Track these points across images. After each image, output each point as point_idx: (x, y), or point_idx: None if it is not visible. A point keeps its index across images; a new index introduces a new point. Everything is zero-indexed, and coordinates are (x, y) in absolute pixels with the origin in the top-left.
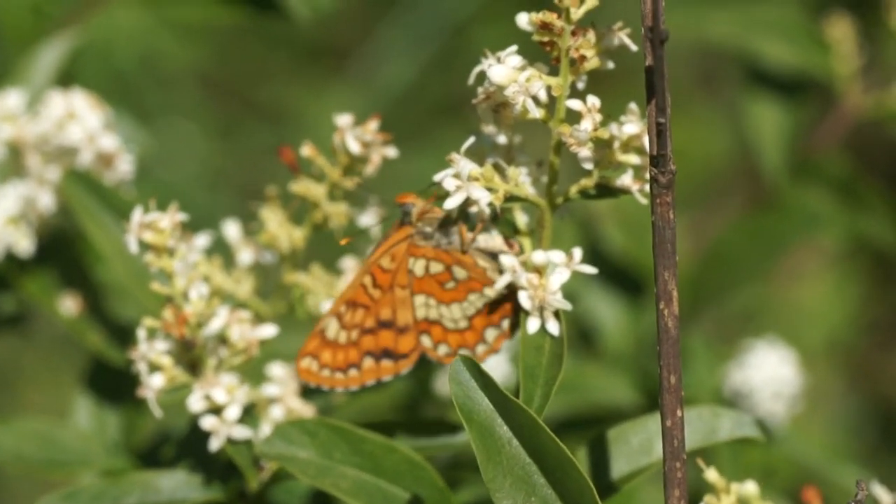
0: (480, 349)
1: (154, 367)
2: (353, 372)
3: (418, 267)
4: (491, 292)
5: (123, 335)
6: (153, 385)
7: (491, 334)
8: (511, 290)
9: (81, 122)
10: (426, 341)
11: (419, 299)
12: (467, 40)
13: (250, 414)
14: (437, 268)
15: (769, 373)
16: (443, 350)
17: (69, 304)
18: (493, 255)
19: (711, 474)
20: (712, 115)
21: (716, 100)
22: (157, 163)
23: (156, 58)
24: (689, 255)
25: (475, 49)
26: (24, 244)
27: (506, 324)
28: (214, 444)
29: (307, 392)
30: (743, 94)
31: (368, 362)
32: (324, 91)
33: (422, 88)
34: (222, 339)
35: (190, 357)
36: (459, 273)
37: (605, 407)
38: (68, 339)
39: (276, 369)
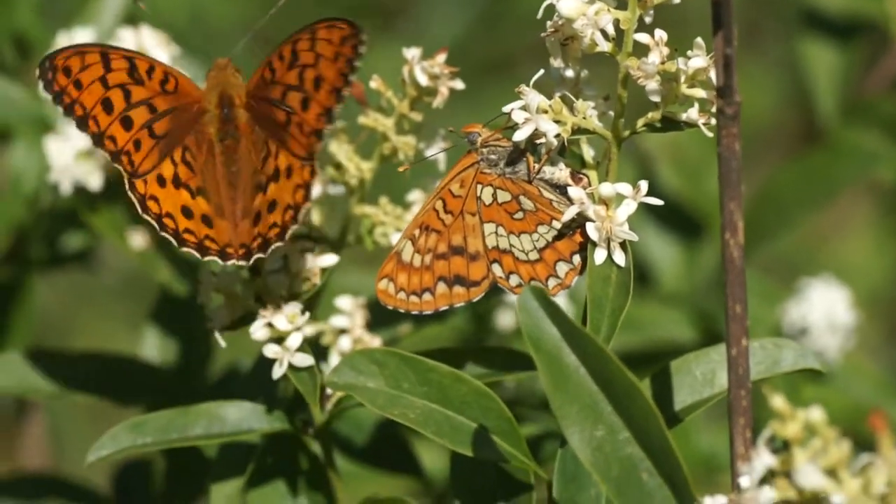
0: (552, 283)
1: (218, 298)
2: (427, 296)
3: (486, 194)
4: (560, 225)
5: (190, 268)
6: (218, 316)
7: (562, 269)
8: (581, 226)
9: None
10: (497, 270)
11: (489, 227)
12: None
13: (318, 344)
14: (504, 196)
15: (825, 309)
16: (514, 280)
17: (138, 239)
18: (559, 188)
19: (777, 401)
20: (757, 69)
21: (760, 54)
22: None
23: (204, 14)
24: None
25: (521, 7)
26: (94, 179)
27: (577, 259)
28: (277, 372)
29: (373, 325)
30: (797, 38)
31: (442, 287)
32: (371, 48)
33: (468, 46)
34: (286, 268)
35: (255, 287)
36: (527, 204)
37: (662, 344)
38: (125, 292)
39: (344, 301)
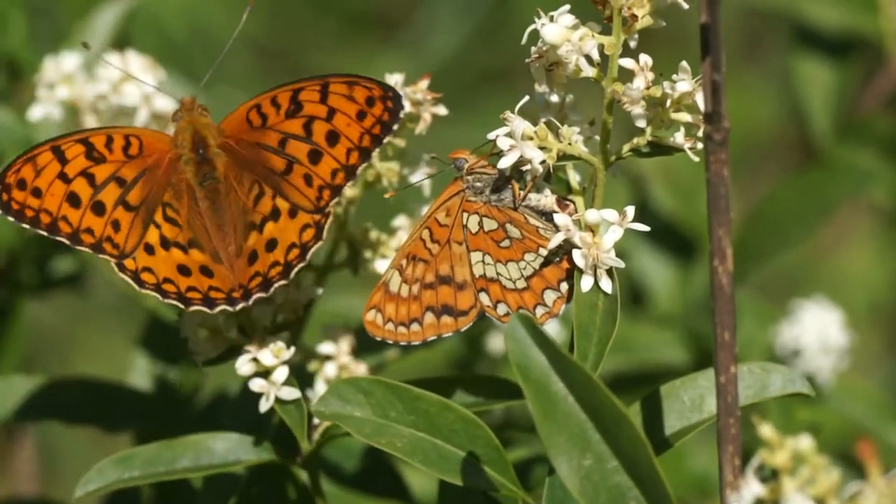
0: (539, 311)
1: (203, 331)
2: (415, 327)
3: (472, 223)
4: (546, 253)
5: None
6: (202, 349)
7: (550, 297)
8: (568, 253)
9: (137, 83)
10: (485, 299)
11: (475, 256)
12: (512, 9)
13: (304, 372)
14: (490, 224)
15: (818, 330)
16: (502, 309)
17: None
18: (546, 215)
19: (766, 430)
20: (757, 81)
21: (760, 66)
22: None
23: (205, 26)
24: (735, 217)
25: (520, 17)
26: None
27: (564, 286)
28: (264, 406)
29: (360, 351)
30: (791, 55)
31: (429, 318)
32: (372, 59)
33: (468, 57)
34: (271, 299)
35: (239, 318)
36: (513, 231)
37: (654, 366)
38: (121, 307)
39: (330, 329)
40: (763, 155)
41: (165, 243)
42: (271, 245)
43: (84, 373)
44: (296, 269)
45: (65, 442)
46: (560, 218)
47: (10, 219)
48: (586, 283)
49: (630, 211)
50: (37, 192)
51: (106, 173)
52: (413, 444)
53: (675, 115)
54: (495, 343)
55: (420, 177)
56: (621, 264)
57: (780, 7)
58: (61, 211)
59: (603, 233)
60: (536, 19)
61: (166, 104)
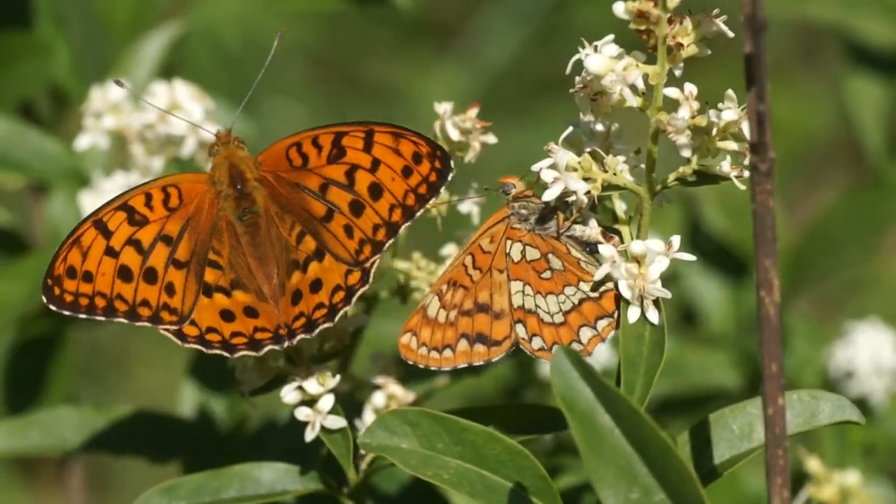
0: (575, 348)
1: (249, 360)
2: (447, 353)
3: (515, 251)
4: (587, 287)
5: None
6: (248, 379)
7: (586, 334)
8: (609, 289)
9: (185, 112)
10: (521, 331)
11: (515, 286)
12: (567, 17)
13: (352, 401)
14: (533, 254)
15: (871, 352)
16: (536, 343)
17: None
18: (590, 246)
19: (813, 464)
20: (814, 86)
21: (817, 71)
22: (263, 145)
23: (261, 38)
24: (789, 230)
25: (575, 26)
26: None
27: (601, 324)
28: (309, 435)
29: (408, 378)
30: (844, 72)
31: (463, 345)
32: (428, 69)
33: (523, 65)
34: None
35: (286, 347)
36: (555, 262)
37: (706, 388)
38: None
39: (378, 356)
40: (819, 160)
41: (208, 290)
42: (316, 286)
43: (141, 385)
44: (341, 313)
45: (115, 470)
46: (605, 249)
47: (66, 313)
48: (633, 314)
49: (676, 241)
50: (88, 277)
51: (152, 235)
52: (460, 476)
53: (720, 144)
54: (546, 368)
55: (469, 206)
56: (668, 295)
57: (833, 22)
58: (115, 289)
59: (649, 263)
60: (580, 49)
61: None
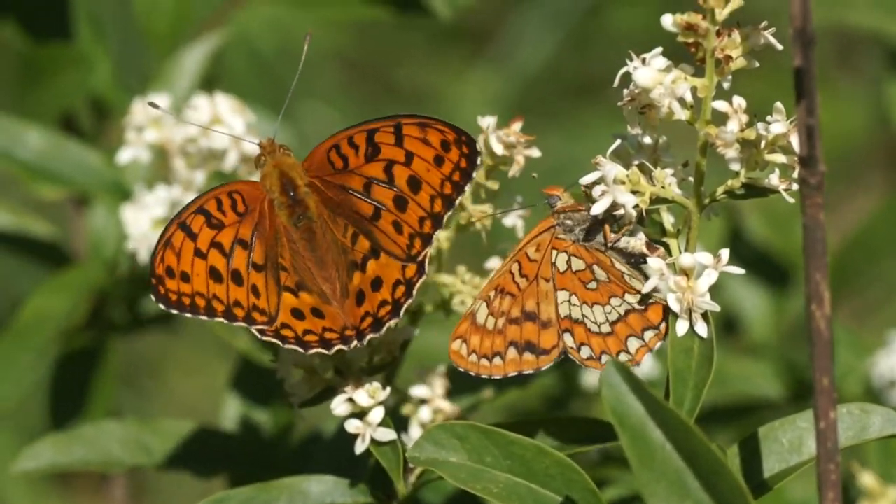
0: (622, 358)
1: (298, 372)
2: (497, 360)
3: (560, 261)
4: (632, 299)
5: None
6: (298, 391)
7: (634, 344)
8: (655, 301)
9: (227, 125)
10: (569, 340)
11: (562, 295)
12: (601, 21)
13: (398, 415)
14: (578, 264)
15: None
16: (585, 352)
17: None
18: (635, 258)
19: (867, 479)
20: (850, 89)
21: (853, 74)
22: (302, 151)
23: (295, 45)
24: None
25: (609, 29)
26: None
27: (649, 335)
28: (359, 447)
29: (454, 392)
30: (883, 77)
31: (512, 353)
32: (462, 73)
33: (557, 69)
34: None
35: (335, 360)
36: (600, 274)
37: (749, 398)
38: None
39: (423, 370)
40: (857, 163)
41: (280, 287)
42: (376, 284)
43: (178, 392)
44: (405, 307)
45: (157, 481)
46: (654, 261)
47: (176, 312)
48: (681, 327)
49: (725, 254)
50: (185, 277)
51: (230, 238)
52: (509, 490)
53: (769, 157)
54: (590, 379)
55: (513, 219)
56: (717, 308)
57: (873, 29)
58: (210, 289)
59: (697, 276)
60: (628, 62)
61: (255, 147)
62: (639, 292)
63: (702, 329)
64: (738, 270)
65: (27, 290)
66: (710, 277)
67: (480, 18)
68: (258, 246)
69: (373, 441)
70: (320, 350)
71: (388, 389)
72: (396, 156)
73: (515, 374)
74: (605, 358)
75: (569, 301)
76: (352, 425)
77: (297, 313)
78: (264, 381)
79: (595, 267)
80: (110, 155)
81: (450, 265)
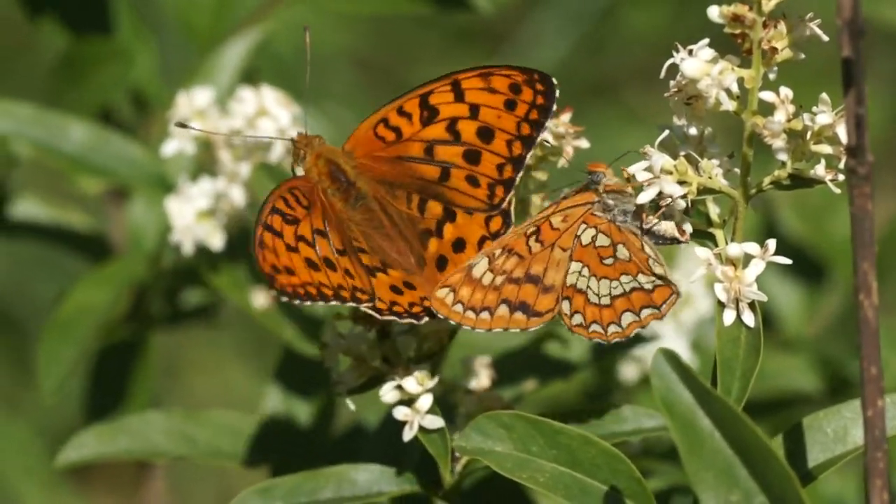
0: (612, 329)
1: (346, 360)
2: (484, 315)
3: (586, 235)
4: (644, 279)
5: (315, 326)
6: (346, 379)
7: (627, 318)
8: (662, 280)
9: (273, 118)
10: (565, 307)
11: (575, 266)
12: (616, 22)
13: (443, 405)
14: (603, 241)
15: None
16: (576, 319)
17: (261, 299)
18: (661, 243)
19: None
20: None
21: (870, 74)
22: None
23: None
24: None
25: (625, 29)
26: (216, 240)
27: (645, 313)
28: (407, 434)
29: (498, 382)
30: None
31: (502, 310)
32: None
33: (572, 69)
34: (413, 330)
35: (383, 348)
36: (622, 253)
37: (784, 392)
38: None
39: (471, 361)
40: (876, 163)
41: (370, 271)
42: (459, 245)
43: (192, 390)
44: None
45: (194, 474)
46: (701, 251)
47: (300, 302)
48: (728, 316)
49: (772, 244)
50: (290, 271)
51: (308, 230)
52: (555, 479)
53: (815, 147)
54: (629, 372)
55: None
56: (764, 297)
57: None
58: (314, 278)
59: (745, 266)
60: (675, 53)
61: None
62: (655, 275)
63: (749, 319)
64: (784, 260)
65: (69, 284)
66: (757, 267)
67: (495, 19)
68: (333, 233)
69: (421, 428)
70: (428, 318)
71: (437, 377)
72: (460, 112)
73: (501, 330)
74: (593, 327)
75: (579, 272)
76: (400, 412)
77: (395, 289)
78: (307, 372)
79: (620, 246)
80: (152, 147)
81: None
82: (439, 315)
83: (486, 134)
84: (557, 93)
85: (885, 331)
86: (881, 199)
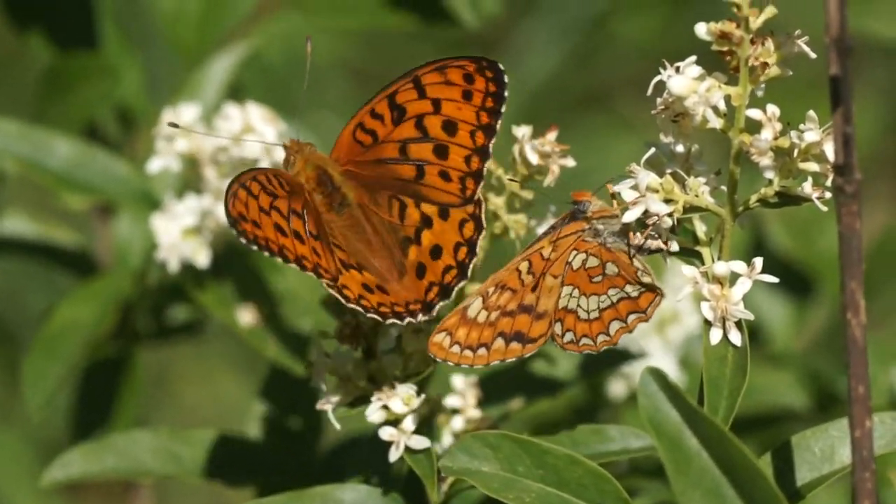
0: (601, 339)
1: (332, 380)
2: (481, 351)
3: (577, 260)
4: (631, 288)
5: (301, 344)
6: (331, 398)
7: (614, 327)
8: (648, 287)
9: (259, 134)
10: (557, 328)
11: (566, 290)
12: (607, 32)
13: (431, 425)
14: (593, 262)
15: None
16: (568, 337)
17: (246, 316)
18: (649, 252)
19: None
20: (860, 99)
21: (863, 85)
22: None
23: (302, 54)
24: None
25: (616, 40)
26: (202, 257)
27: (631, 318)
28: (393, 455)
29: (485, 401)
30: None
31: (498, 343)
32: None
33: (564, 79)
34: (398, 349)
35: (369, 368)
36: (611, 269)
37: (772, 408)
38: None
39: (456, 380)
40: (867, 174)
41: (345, 265)
42: (436, 252)
43: (182, 402)
44: (471, 267)
45: (184, 488)
46: (688, 270)
47: (257, 250)
48: (715, 335)
49: (759, 262)
50: (256, 224)
51: (285, 207)
52: (541, 499)
53: (802, 165)
54: (617, 388)
55: (546, 227)
56: (750, 316)
57: (892, 38)
58: (280, 240)
59: (731, 285)
60: (662, 70)
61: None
62: (642, 284)
63: (736, 337)
64: (771, 279)
65: (54, 300)
66: (744, 286)
67: (488, 29)
68: (310, 220)
69: (407, 449)
70: (396, 321)
71: (423, 397)
72: (424, 108)
73: (498, 362)
74: (583, 340)
75: (570, 294)
76: (386, 432)
77: (367, 287)
78: (293, 390)
79: (609, 263)
80: (137, 164)
81: (482, 275)
82: (437, 359)
83: (450, 127)
84: (506, 78)
85: (875, 345)
86: (877, 209)
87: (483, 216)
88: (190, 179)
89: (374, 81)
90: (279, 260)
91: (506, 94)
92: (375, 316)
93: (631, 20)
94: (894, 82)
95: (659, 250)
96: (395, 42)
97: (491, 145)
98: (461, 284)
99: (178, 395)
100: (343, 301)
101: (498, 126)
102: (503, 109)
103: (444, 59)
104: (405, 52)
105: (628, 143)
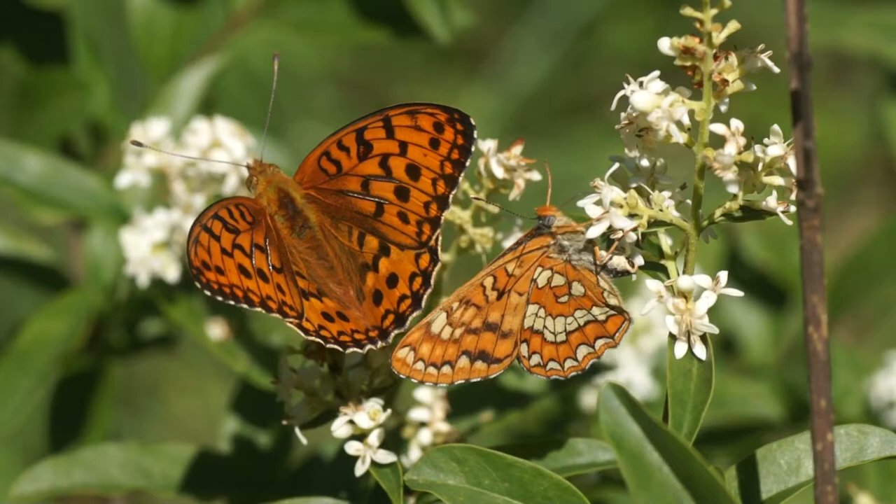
0: (568, 364)
1: (298, 395)
2: (446, 369)
3: (542, 277)
4: (598, 311)
5: (271, 359)
6: (298, 413)
7: (582, 352)
8: (615, 310)
9: (227, 149)
10: (523, 349)
11: (532, 308)
12: (596, 40)
13: (398, 437)
14: (558, 281)
15: None
16: (535, 360)
17: (217, 330)
18: (615, 273)
19: (864, 500)
20: (844, 105)
21: (846, 90)
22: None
23: (290, 64)
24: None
25: (604, 49)
26: (171, 271)
27: (599, 343)
28: (360, 469)
29: (454, 415)
30: (880, 100)
31: (463, 362)
32: (457, 92)
33: (552, 88)
34: (364, 363)
35: (335, 383)
36: (577, 289)
37: (748, 419)
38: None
39: (423, 393)
40: (851, 180)
41: (305, 294)
42: (392, 280)
43: (174, 411)
44: (425, 298)
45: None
46: (652, 284)
47: (222, 300)
48: (680, 349)
49: (723, 276)
50: (219, 271)
51: (248, 242)
52: None
53: (766, 179)
54: (589, 399)
55: (514, 240)
56: (715, 330)
57: (867, 50)
58: (244, 283)
59: (696, 298)
60: (626, 85)
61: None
62: (609, 306)
63: (700, 351)
64: (736, 293)
65: (26, 314)
66: (708, 300)
67: (476, 38)
68: (272, 252)
69: (373, 463)
70: (356, 349)
71: (389, 411)
72: (390, 148)
73: (462, 382)
74: (551, 364)
75: (536, 314)
76: (352, 447)
77: (327, 316)
78: (263, 404)
79: (575, 283)
80: (108, 179)
81: (449, 288)
82: (400, 375)
83: (413, 171)
84: (476, 134)
85: (851, 357)
86: (863, 213)
87: (439, 249)
88: (159, 194)
89: (360, 90)
90: (245, 306)
91: (472, 148)
92: (336, 346)
93: (619, 28)
94: (880, 88)
95: (626, 272)
96: (381, 51)
97: (451, 196)
98: (415, 314)
99: (169, 404)
100: (302, 334)
101: (460, 179)
102: (468, 163)
103: (416, 104)
104: (393, 60)
105: (616, 151)
